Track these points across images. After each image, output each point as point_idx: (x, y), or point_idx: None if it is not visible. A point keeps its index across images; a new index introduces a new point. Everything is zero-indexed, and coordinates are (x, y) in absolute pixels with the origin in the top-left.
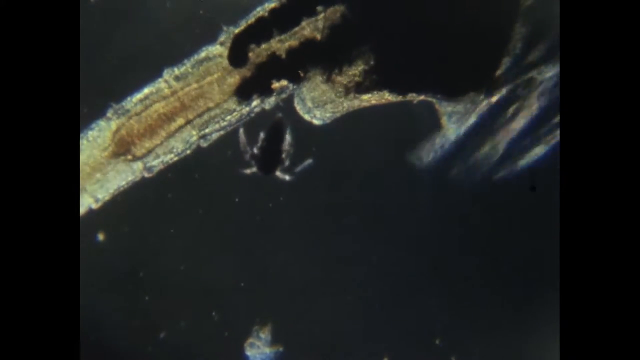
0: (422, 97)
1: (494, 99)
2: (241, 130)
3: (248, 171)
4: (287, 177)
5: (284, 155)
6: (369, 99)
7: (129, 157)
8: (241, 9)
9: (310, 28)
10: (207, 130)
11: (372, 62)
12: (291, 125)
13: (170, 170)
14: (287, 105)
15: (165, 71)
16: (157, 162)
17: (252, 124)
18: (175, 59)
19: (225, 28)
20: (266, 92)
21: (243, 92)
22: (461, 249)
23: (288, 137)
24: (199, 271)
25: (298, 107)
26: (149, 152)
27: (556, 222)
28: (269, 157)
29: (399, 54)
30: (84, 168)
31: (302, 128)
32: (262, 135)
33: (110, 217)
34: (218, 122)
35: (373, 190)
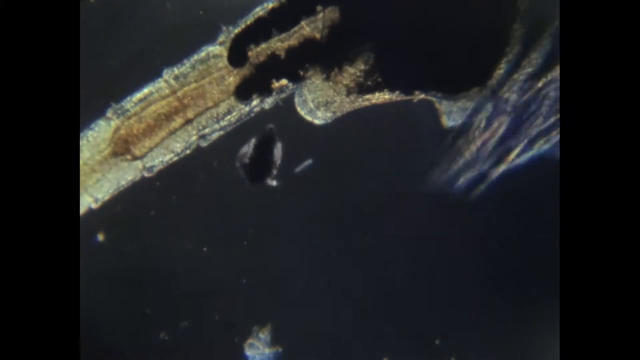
0: (422, 96)
1: (498, 105)
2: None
3: (239, 174)
4: (274, 184)
5: (273, 166)
6: (370, 98)
7: (129, 156)
8: (241, 9)
9: (310, 27)
10: (206, 130)
11: (372, 62)
12: (283, 136)
13: (171, 170)
14: (287, 106)
15: (165, 71)
16: (157, 162)
17: (245, 132)
18: (175, 59)
19: (224, 28)
20: (266, 91)
21: (243, 92)
22: (461, 249)
23: (277, 149)
24: (199, 271)
25: (299, 108)
26: (149, 151)
27: (556, 223)
28: (258, 168)
29: (399, 54)
30: (83, 168)
31: (303, 128)
32: (252, 145)
33: (110, 217)
34: (218, 121)
35: (374, 190)
